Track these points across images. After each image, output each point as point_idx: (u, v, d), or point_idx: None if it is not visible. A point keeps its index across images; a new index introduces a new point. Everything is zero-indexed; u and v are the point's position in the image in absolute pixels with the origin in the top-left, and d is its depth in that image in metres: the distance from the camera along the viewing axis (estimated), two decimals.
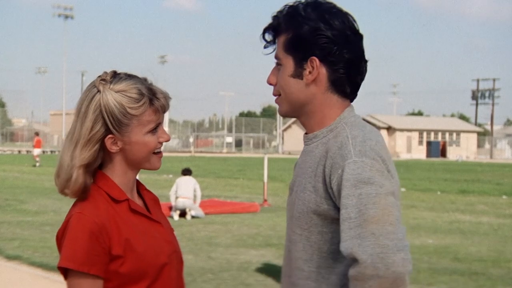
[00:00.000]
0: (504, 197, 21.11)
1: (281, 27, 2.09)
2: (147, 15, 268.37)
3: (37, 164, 34.74)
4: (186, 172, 14.68)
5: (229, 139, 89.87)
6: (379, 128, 71.83)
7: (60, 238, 2.03)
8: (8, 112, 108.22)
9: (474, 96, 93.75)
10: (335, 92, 2.08)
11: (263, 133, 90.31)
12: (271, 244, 10.74)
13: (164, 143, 2.16)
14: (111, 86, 2.05)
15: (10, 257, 9.35)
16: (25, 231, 11.81)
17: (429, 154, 74.71)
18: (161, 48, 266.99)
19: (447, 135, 79.19)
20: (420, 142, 77.14)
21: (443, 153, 76.05)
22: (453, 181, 28.22)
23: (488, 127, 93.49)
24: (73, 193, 2.05)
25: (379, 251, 1.80)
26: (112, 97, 2.03)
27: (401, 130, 75.77)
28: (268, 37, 2.13)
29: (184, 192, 14.11)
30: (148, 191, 2.26)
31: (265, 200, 16.86)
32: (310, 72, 2.05)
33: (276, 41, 2.12)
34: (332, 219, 1.98)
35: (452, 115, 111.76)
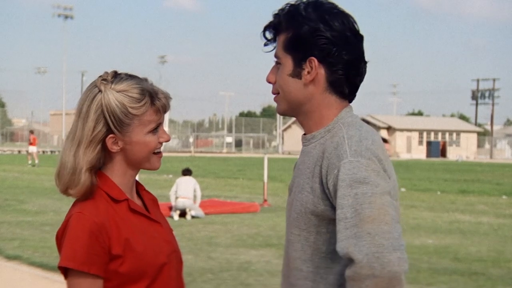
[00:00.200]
0: (504, 197, 21.11)
1: (281, 26, 2.10)
2: (147, 15, 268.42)
3: (36, 161, 34.83)
4: (186, 172, 14.70)
5: (229, 139, 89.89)
6: (379, 128, 71.97)
7: (60, 238, 2.03)
8: (8, 112, 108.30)
9: (474, 96, 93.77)
10: (333, 92, 2.08)
11: (263, 133, 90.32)
12: (271, 244, 10.74)
13: (164, 143, 2.17)
14: (113, 86, 2.05)
15: (10, 257, 9.35)
16: (25, 231, 11.82)
17: (429, 154, 74.72)
18: (161, 48, 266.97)
19: (447, 135, 79.21)
20: (420, 142, 77.17)
21: (443, 153, 76.07)
22: (453, 181, 28.22)
23: (488, 127, 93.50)
24: (77, 194, 2.05)
25: (375, 251, 1.80)
26: (113, 97, 2.04)
27: (401, 130, 75.80)
28: (269, 35, 2.14)
29: (184, 192, 14.12)
30: (147, 191, 2.26)
31: (265, 200, 16.86)
32: (308, 72, 2.05)
33: (277, 39, 2.12)
34: (329, 219, 1.98)
35: (452, 115, 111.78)
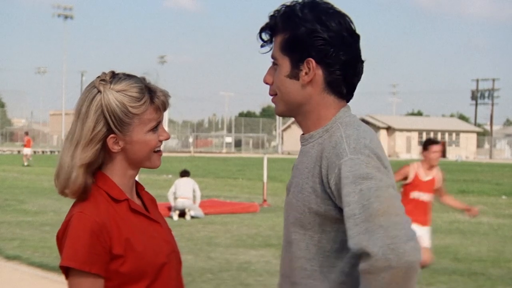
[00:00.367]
0: (503, 197, 21.13)
1: (278, 27, 2.09)
2: (147, 15, 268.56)
3: (25, 163, 35.31)
4: (184, 173, 14.73)
5: (229, 139, 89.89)
6: (378, 128, 72.00)
7: (61, 238, 2.03)
8: (8, 112, 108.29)
9: (474, 96, 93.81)
10: (331, 93, 2.08)
11: (262, 133, 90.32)
12: (271, 244, 10.75)
13: (163, 143, 2.17)
14: (112, 86, 2.06)
15: (9, 257, 9.35)
16: (24, 231, 11.82)
17: None
18: (161, 48, 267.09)
19: (446, 135, 79.23)
20: (420, 142, 77.00)
21: (442, 153, 75.93)
22: (453, 181, 28.22)
23: (488, 127, 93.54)
24: (72, 192, 2.05)
25: (389, 242, 1.80)
26: (113, 96, 2.04)
27: (401, 130, 75.82)
28: (265, 36, 2.14)
29: (183, 193, 14.13)
30: (146, 191, 2.27)
31: (265, 200, 16.87)
32: (306, 73, 2.05)
33: (273, 40, 2.12)
34: (333, 218, 1.98)
35: (452, 115, 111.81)
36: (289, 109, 2.12)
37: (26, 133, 39.67)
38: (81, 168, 2.03)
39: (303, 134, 2.15)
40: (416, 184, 7.59)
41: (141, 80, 2.10)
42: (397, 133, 75.28)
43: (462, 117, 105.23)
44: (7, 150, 62.99)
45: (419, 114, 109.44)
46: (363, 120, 68.13)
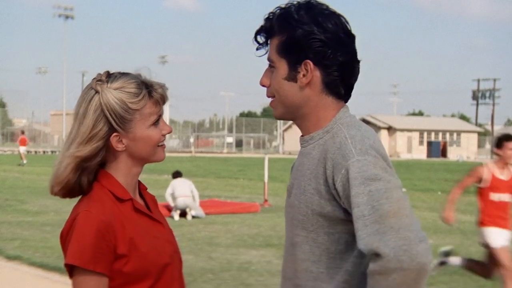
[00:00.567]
0: None
1: (274, 30, 2.08)
2: (147, 15, 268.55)
3: (25, 161, 35.78)
4: (178, 174, 14.70)
5: (230, 139, 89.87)
6: (379, 128, 71.98)
7: (65, 236, 2.03)
8: (9, 112, 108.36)
9: (475, 96, 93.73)
10: (330, 94, 2.08)
11: (263, 133, 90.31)
12: (272, 244, 10.75)
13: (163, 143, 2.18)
14: (109, 85, 2.07)
15: (10, 257, 9.36)
16: (25, 231, 11.82)
17: (429, 154, 74.74)
18: (161, 48, 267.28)
19: (447, 135, 79.21)
20: (421, 142, 77.17)
21: (443, 153, 76.07)
22: (454, 181, 28.12)
23: (489, 127, 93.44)
24: (58, 184, 2.06)
25: (402, 244, 1.80)
26: (111, 95, 2.05)
27: (402, 130, 75.80)
28: (260, 39, 2.13)
29: (183, 191, 14.11)
30: (148, 191, 2.27)
31: (266, 200, 16.87)
32: (304, 75, 2.05)
33: (269, 43, 2.12)
34: (338, 220, 1.98)
35: (453, 115, 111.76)
36: (288, 111, 2.12)
37: (22, 132, 40.46)
38: (73, 160, 2.03)
39: (302, 135, 2.14)
40: (495, 185, 7.15)
41: (137, 76, 2.11)
42: (398, 133, 75.26)
43: (463, 117, 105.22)
44: (8, 150, 63.00)
45: (420, 114, 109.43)
46: (364, 120, 68.26)
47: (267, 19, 2.10)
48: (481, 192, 7.09)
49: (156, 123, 2.11)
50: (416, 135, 77.06)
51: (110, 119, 2.04)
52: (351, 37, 2.09)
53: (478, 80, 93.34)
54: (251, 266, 8.92)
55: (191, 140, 79.88)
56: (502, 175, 7.17)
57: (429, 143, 76.71)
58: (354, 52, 2.09)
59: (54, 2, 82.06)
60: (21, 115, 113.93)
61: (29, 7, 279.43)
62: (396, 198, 1.87)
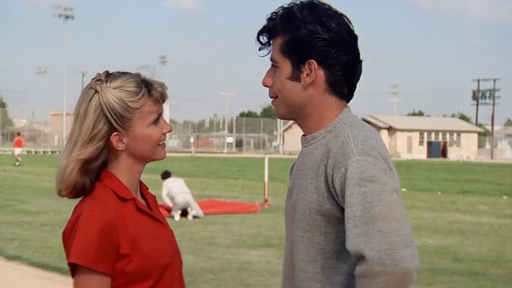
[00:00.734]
0: (504, 197, 21.11)
1: (277, 30, 2.08)
2: (147, 15, 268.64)
3: (17, 163, 36.13)
4: (167, 174, 14.54)
5: (230, 139, 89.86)
6: (379, 128, 71.97)
7: (68, 236, 2.03)
8: (9, 112, 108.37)
9: (475, 96, 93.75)
10: (333, 93, 2.08)
11: (263, 133, 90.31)
12: (272, 244, 10.74)
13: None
14: (108, 84, 2.07)
15: (10, 257, 9.35)
16: (25, 231, 11.82)
17: (429, 154, 74.71)
18: (161, 48, 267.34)
19: (447, 135, 79.19)
20: (421, 142, 77.15)
21: (443, 153, 76.05)
22: (454, 181, 28.22)
23: (489, 127, 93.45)
24: (66, 188, 2.06)
25: (387, 248, 1.80)
26: (111, 94, 2.05)
27: (402, 130, 75.78)
28: (263, 39, 2.13)
29: (180, 189, 14.07)
30: (149, 192, 2.27)
31: (266, 200, 16.86)
32: (308, 75, 2.05)
33: (271, 43, 2.11)
34: (335, 218, 1.98)
35: (453, 115, 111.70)
36: (290, 111, 2.12)
37: (18, 133, 41.10)
38: (77, 163, 2.04)
39: (304, 135, 2.14)
40: None
41: (136, 75, 2.11)
42: (398, 133, 75.25)
43: (463, 117, 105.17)
44: (8, 150, 62.93)
45: (420, 114, 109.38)
46: (364, 120, 67.47)
47: (270, 19, 2.10)
48: None
49: (156, 121, 2.11)
50: (416, 135, 77.03)
51: (110, 118, 2.04)
52: (354, 37, 2.09)
53: (478, 80, 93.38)
54: (251, 266, 8.91)
55: (191, 140, 79.87)
56: None
57: (429, 143, 76.68)
58: (357, 52, 2.09)
59: (54, 2, 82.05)
60: (21, 115, 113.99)
61: (29, 7, 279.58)
62: (389, 202, 1.87)
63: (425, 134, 77.85)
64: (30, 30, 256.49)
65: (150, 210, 2.18)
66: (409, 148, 75.80)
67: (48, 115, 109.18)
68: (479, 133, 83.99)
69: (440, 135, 78.62)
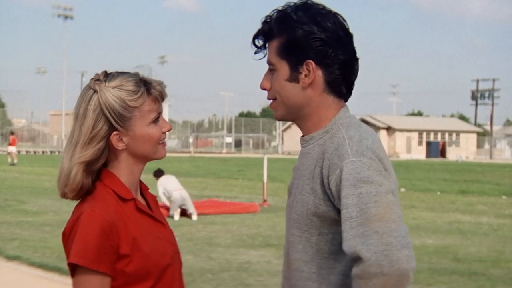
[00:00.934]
0: (503, 197, 21.12)
1: (273, 32, 2.08)
2: (147, 15, 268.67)
3: (15, 161, 36.58)
4: (161, 172, 14.47)
5: (229, 140, 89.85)
6: (378, 128, 71.97)
7: (68, 235, 2.02)
8: (8, 112, 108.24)
9: (474, 97, 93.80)
10: (331, 93, 2.08)
11: (262, 133, 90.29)
12: (271, 244, 10.74)
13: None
14: (107, 84, 2.07)
15: (10, 257, 9.35)
16: (25, 231, 11.82)
17: (428, 154, 74.73)
18: (161, 48, 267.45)
19: (446, 135, 79.21)
20: (420, 143, 77.16)
21: (442, 154, 76.07)
22: (453, 181, 28.22)
23: (488, 128, 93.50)
24: (71, 191, 2.05)
25: (383, 249, 1.80)
26: (110, 93, 2.05)
27: (401, 130, 75.79)
28: (258, 42, 2.13)
29: (174, 186, 14.06)
30: (149, 192, 2.27)
31: (265, 200, 16.86)
32: (306, 76, 2.05)
33: (267, 46, 2.11)
34: (331, 220, 1.98)
35: (452, 116, 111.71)
36: (289, 112, 2.12)
37: (12, 133, 42.11)
38: (80, 166, 2.03)
39: (303, 135, 2.15)
40: None
41: (135, 74, 2.11)
42: (397, 133, 75.25)
43: (462, 117, 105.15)
44: (7, 150, 62.94)
45: (419, 114, 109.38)
46: (363, 120, 68.18)
47: (265, 22, 2.10)
48: None
49: (156, 120, 2.11)
50: (415, 135, 77.04)
51: (110, 117, 2.04)
52: (350, 35, 2.10)
53: (477, 80, 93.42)
54: (250, 266, 8.91)
55: (190, 140, 79.87)
56: None
57: (428, 143, 76.69)
58: (353, 50, 2.10)
59: (54, 2, 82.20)
60: (20, 115, 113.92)
61: (28, 7, 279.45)
62: (385, 203, 1.87)
63: (424, 134, 77.86)
64: (29, 30, 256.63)
65: (151, 210, 2.18)
66: (408, 148, 75.81)
67: (47, 115, 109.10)
68: (478, 133, 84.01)
69: (439, 135, 78.63)
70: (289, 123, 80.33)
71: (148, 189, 2.26)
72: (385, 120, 77.26)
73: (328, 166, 1.97)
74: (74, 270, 2.00)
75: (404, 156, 72.62)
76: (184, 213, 14.04)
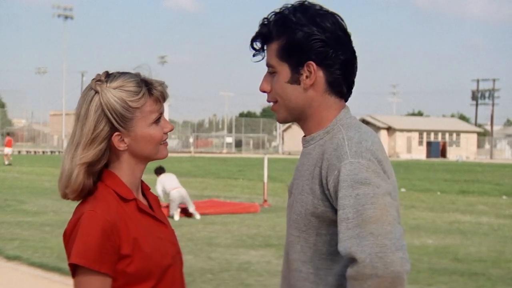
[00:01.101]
0: (504, 197, 21.12)
1: (271, 35, 2.08)
2: (147, 15, 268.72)
3: (6, 162, 36.93)
4: (161, 170, 14.51)
5: (229, 140, 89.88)
6: (379, 128, 71.95)
7: (69, 236, 2.02)
8: (8, 112, 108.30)
9: (474, 97, 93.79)
10: (332, 93, 2.08)
11: (263, 133, 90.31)
12: (271, 244, 10.74)
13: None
14: (108, 85, 2.06)
15: (10, 257, 9.35)
16: (25, 231, 11.81)
17: (429, 154, 74.73)
18: (161, 48, 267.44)
19: (447, 135, 79.20)
20: (420, 143, 77.16)
21: (443, 154, 76.07)
22: (453, 181, 28.22)
23: (488, 128, 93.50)
24: (73, 191, 2.05)
25: (378, 251, 1.80)
26: (111, 94, 2.04)
27: (401, 130, 75.79)
28: (257, 45, 2.12)
29: (173, 184, 14.07)
30: (151, 192, 2.27)
31: (265, 201, 16.86)
32: (307, 77, 2.05)
33: (266, 48, 2.11)
34: (330, 220, 1.98)
35: (452, 116, 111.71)
36: (291, 114, 2.12)
37: (8, 134, 42.68)
38: (82, 167, 2.03)
39: (304, 136, 2.15)
40: None
41: (137, 75, 2.11)
42: (397, 133, 75.24)
43: (463, 117, 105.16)
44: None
45: (420, 114, 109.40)
46: (364, 120, 68.17)
47: (263, 25, 2.09)
48: None
49: (157, 121, 2.10)
50: (415, 135, 77.04)
51: (111, 118, 2.04)
52: (348, 35, 2.10)
53: (478, 80, 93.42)
54: (250, 266, 8.91)
55: (191, 140, 79.88)
56: None
57: (429, 143, 76.70)
58: (352, 49, 2.10)
59: (54, 2, 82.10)
60: (20, 115, 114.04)
61: (28, 7, 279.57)
62: (382, 204, 1.87)
63: (425, 134, 77.86)
64: (29, 30, 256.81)
65: (152, 210, 2.18)
66: (408, 148, 75.81)
67: (47, 115, 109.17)
68: (479, 133, 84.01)
69: (440, 135, 78.63)
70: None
71: (149, 189, 2.25)
72: (385, 120, 77.25)
73: (327, 167, 1.97)
74: (75, 270, 1.99)
75: (404, 156, 72.62)
76: (185, 212, 14.03)
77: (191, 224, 13.11)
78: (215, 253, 9.90)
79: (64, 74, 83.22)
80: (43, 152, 62.54)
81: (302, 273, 2.04)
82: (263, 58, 2.12)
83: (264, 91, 2.13)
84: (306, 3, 2.08)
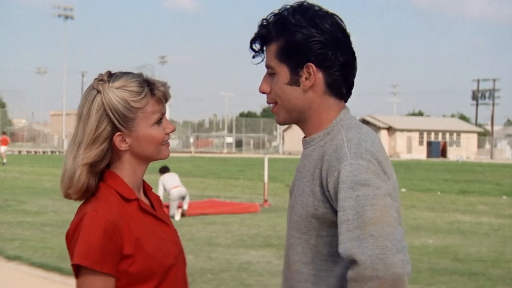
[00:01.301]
0: (504, 197, 21.11)
1: (271, 36, 2.07)
2: (147, 15, 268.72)
3: (4, 161, 37.23)
4: (166, 169, 14.57)
5: (229, 140, 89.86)
6: (379, 128, 71.94)
7: (71, 236, 2.02)
8: (8, 112, 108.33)
9: (475, 97, 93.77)
10: (332, 94, 2.08)
11: (263, 133, 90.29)
12: (271, 244, 10.74)
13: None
14: (110, 85, 2.06)
15: (10, 258, 9.35)
16: (25, 231, 11.81)
17: (429, 154, 74.73)
18: (161, 48, 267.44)
19: (447, 135, 79.20)
20: (421, 143, 77.16)
21: (443, 154, 76.06)
22: (454, 181, 28.21)
23: (489, 128, 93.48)
24: (75, 192, 2.05)
25: (379, 252, 1.80)
26: (113, 94, 2.04)
27: (401, 130, 75.78)
28: (256, 46, 2.12)
29: (174, 183, 14.10)
30: (153, 192, 2.27)
31: (265, 201, 16.86)
32: (306, 79, 2.05)
33: (265, 49, 2.10)
34: (330, 222, 1.98)
35: (453, 116, 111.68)
36: (291, 116, 2.11)
37: (4, 133, 43.70)
38: (84, 167, 2.03)
39: (304, 137, 2.14)
40: None
41: (139, 75, 2.11)
42: (397, 133, 75.24)
43: (463, 117, 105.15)
44: (7, 150, 62.95)
45: (420, 114, 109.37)
46: (364, 120, 68.15)
47: (262, 26, 2.09)
48: None
49: (159, 121, 2.10)
50: (416, 135, 77.03)
51: (113, 118, 2.04)
52: (348, 36, 2.09)
53: (478, 80, 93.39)
54: (250, 266, 8.91)
55: (191, 140, 79.89)
56: None
57: (429, 143, 76.70)
58: (352, 50, 2.09)
59: (54, 2, 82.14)
60: (20, 115, 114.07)
61: (28, 7, 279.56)
62: (382, 206, 1.86)
63: (425, 134, 77.85)
64: (30, 30, 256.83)
65: (154, 210, 2.18)
66: (408, 148, 75.80)
67: (47, 115, 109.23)
68: (479, 133, 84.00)
69: (440, 135, 78.62)
70: None
71: (151, 189, 2.25)
72: (385, 120, 77.24)
73: (327, 168, 1.96)
74: (78, 271, 1.99)
75: (404, 156, 72.61)
76: (184, 212, 14.05)
77: (191, 224, 13.11)
78: (216, 253, 9.90)
79: (64, 74, 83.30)
80: (44, 152, 62.56)
81: (304, 274, 2.03)
82: (262, 60, 2.12)
83: (263, 92, 2.13)
84: (305, 4, 2.07)
